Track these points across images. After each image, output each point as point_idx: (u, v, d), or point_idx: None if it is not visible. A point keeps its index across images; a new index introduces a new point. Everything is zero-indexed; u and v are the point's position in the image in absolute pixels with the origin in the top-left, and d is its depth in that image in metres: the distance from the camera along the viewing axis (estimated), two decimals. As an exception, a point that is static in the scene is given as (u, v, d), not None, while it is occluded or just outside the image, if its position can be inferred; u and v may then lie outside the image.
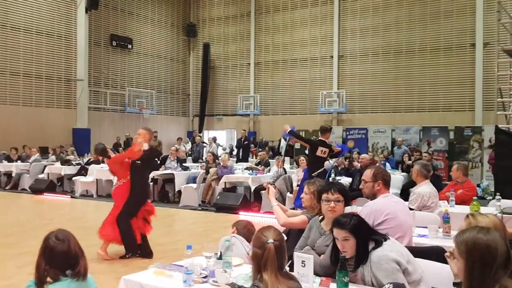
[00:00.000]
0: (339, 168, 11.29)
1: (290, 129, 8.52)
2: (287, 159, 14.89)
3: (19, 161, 15.13)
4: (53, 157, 15.75)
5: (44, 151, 16.41)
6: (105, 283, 4.82)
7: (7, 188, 14.48)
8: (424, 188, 5.75)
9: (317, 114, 21.20)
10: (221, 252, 3.16)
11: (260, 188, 10.80)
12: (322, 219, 3.65)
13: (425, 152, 12.95)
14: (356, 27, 20.67)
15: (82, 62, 19.92)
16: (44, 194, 13.24)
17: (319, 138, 8.39)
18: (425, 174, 5.84)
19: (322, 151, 8.13)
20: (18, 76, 18.09)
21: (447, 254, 2.55)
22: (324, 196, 3.54)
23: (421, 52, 19.15)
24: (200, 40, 25.10)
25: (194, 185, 11.52)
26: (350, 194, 3.95)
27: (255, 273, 2.50)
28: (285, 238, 2.98)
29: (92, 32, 20.60)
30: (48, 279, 2.56)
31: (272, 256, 2.45)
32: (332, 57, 21.17)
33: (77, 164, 14.43)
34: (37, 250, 2.64)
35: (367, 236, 2.92)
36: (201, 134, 22.71)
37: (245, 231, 4.00)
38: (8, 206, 12.06)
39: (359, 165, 11.20)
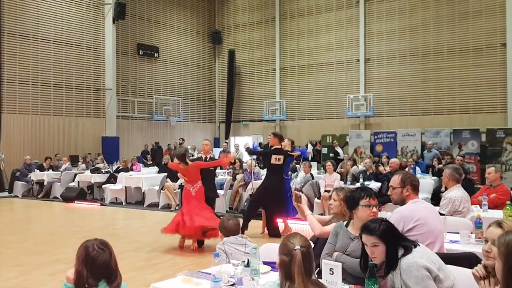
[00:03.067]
0: (367, 173, 11.14)
1: (251, 148, 9.00)
2: (314, 164, 14.77)
3: (50, 170, 15.44)
4: (83, 166, 16.01)
5: (74, 160, 16.70)
6: None
7: (39, 196, 14.78)
8: (456, 193, 5.59)
9: (344, 118, 21.02)
10: (248, 260, 3.15)
11: (288, 194, 10.73)
12: (347, 224, 3.62)
13: (458, 156, 12.63)
14: (383, 30, 20.44)
15: (110, 72, 20.26)
16: (75, 202, 13.43)
17: (274, 147, 8.48)
18: (457, 178, 5.68)
19: (276, 158, 8.28)
20: (49, 87, 18.52)
21: (473, 271, 2.48)
22: (364, 201, 3.50)
23: (449, 53, 18.79)
24: (225, 47, 25.24)
25: (221, 192, 11.53)
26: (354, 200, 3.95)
27: (282, 281, 2.48)
28: (312, 245, 2.96)
29: (119, 42, 20.95)
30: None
31: (299, 263, 2.43)
32: (358, 60, 20.98)
33: (107, 172, 14.62)
34: (69, 257, 2.70)
35: (396, 242, 2.85)
36: (227, 141, 22.78)
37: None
38: (40, 214, 12.31)
39: (387, 169, 11.01)
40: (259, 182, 11.36)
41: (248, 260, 3.16)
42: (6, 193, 15.43)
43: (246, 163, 12.44)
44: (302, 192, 10.29)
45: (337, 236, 3.62)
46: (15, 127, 17.13)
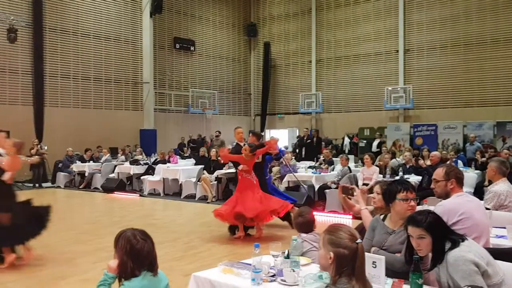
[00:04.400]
0: (407, 166, 10.90)
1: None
2: (352, 157, 14.59)
3: (91, 162, 15.82)
4: (122, 157, 16.31)
5: (114, 152, 17.05)
6: (172, 280, 4.89)
7: (80, 187, 15.17)
8: (501, 186, 5.39)
9: (382, 111, 20.65)
10: (288, 251, 3.13)
11: (325, 187, 10.66)
12: (384, 218, 3.55)
13: (504, 149, 12.18)
14: (423, 20, 19.92)
15: (148, 65, 20.55)
16: (115, 192, 13.71)
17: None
18: (503, 172, 5.47)
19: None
20: (89, 81, 18.94)
21: None
22: (401, 195, 3.43)
23: (493, 43, 18.15)
24: (260, 39, 25.18)
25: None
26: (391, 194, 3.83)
27: (335, 275, 2.36)
28: None
29: (156, 35, 21.18)
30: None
31: (361, 256, 2.36)
32: (397, 51, 20.54)
33: (145, 163, 14.86)
34: (111, 246, 2.75)
35: (443, 235, 2.78)
36: (262, 134, 22.76)
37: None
38: (82, 205, 12.62)
39: (427, 163, 10.75)
40: (295, 174, 11.35)
41: (288, 251, 3.14)
42: (49, 184, 15.91)
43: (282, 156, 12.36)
44: (338, 185, 10.21)
45: (374, 231, 3.56)
46: (58, 120, 17.60)
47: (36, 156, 12.62)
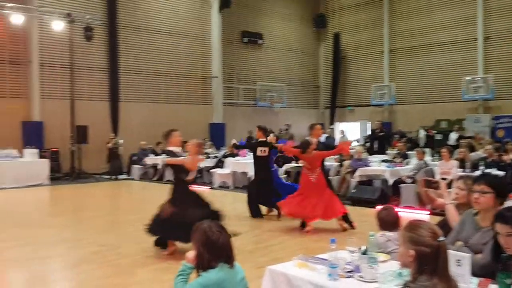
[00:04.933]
0: (489, 160, 10.19)
1: (237, 143, 9.40)
2: (428, 150, 13.91)
3: (163, 155, 16.14)
4: (193, 151, 16.53)
5: (184, 146, 17.32)
6: (250, 270, 4.83)
7: (153, 179, 15.60)
8: None
9: (460, 102, 19.57)
10: (366, 247, 3.05)
11: (399, 181, 10.21)
12: (476, 214, 3.30)
13: None
14: (504, 5, 18.64)
15: (216, 60, 20.76)
16: (186, 185, 13.90)
17: (259, 139, 8.91)
18: None
19: (261, 150, 8.74)
20: (160, 76, 19.42)
21: None
22: (474, 187, 3.26)
23: None
24: (329, 31, 24.70)
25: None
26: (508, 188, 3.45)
27: (415, 273, 2.25)
28: None
29: (224, 30, 21.33)
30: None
31: (444, 255, 2.23)
32: (476, 39, 19.37)
33: (215, 157, 15.00)
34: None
35: None
36: (332, 127, 22.35)
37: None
38: (155, 196, 12.86)
39: (511, 157, 9.98)
40: (368, 168, 10.98)
41: (365, 247, 3.05)
42: (125, 176, 16.50)
43: (354, 149, 12.00)
44: (414, 179, 9.72)
45: (464, 224, 3.34)
46: (132, 115, 18.19)
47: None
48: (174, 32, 19.75)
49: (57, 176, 15.42)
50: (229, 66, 21.75)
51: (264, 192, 8.70)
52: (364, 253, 2.97)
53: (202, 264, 2.72)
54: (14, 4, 15.17)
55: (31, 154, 14.10)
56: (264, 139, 8.82)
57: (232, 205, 11.30)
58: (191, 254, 2.80)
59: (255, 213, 8.83)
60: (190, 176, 6.22)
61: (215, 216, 6.15)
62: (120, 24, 18.04)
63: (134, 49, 18.59)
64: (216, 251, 2.70)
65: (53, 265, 6.01)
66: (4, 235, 7.60)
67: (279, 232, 7.45)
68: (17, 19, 15.06)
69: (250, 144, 9.29)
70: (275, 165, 9.97)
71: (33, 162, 14.28)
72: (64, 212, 10.12)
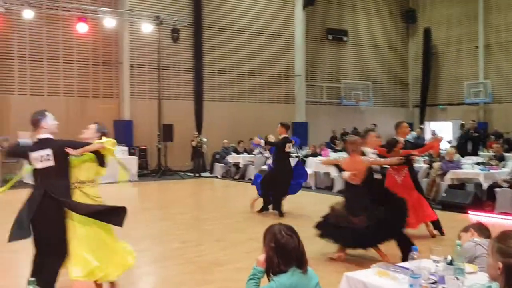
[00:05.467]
0: None
1: (261, 140, 9.42)
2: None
3: (245, 153, 16.30)
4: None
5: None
6: (324, 276, 4.64)
7: (235, 177, 15.73)
8: None
9: None
10: (451, 257, 2.89)
11: (494, 185, 9.40)
12: None
13: None
14: None
15: (300, 58, 20.56)
16: (267, 184, 13.85)
17: (283, 136, 9.21)
18: None
19: (289, 146, 9.17)
20: (244, 75, 19.57)
21: None
22: None
23: None
24: (420, 26, 23.55)
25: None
26: None
27: (504, 287, 2.13)
28: None
29: (308, 28, 21.06)
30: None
31: None
32: None
33: (296, 156, 14.77)
34: (262, 237, 2.79)
35: None
36: (422, 126, 21.28)
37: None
38: (237, 194, 13.10)
39: None
40: (460, 171, 10.22)
41: (451, 257, 2.89)
42: (208, 174, 16.81)
43: (444, 150, 11.25)
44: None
45: None
46: (215, 113, 18.50)
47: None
48: (257, 31, 19.81)
49: (145, 172, 16.04)
50: (312, 64, 21.44)
51: (285, 185, 9.11)
52: (450, 263, 2.83)
53: (272, 268, 2.66)
54: (107, 9, 16.00)
55: (121, 151, 14.75)
56: (287, 135, 9.22)
57: (314, 207, 11.05)
58: (261, 257, 2.75)
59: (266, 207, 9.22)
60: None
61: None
62: (205, 25, 18.40)
63: (218, 49, 18.88)
64: (286, 255, 2.63)
65: (138, 260, 6.16)
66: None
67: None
68: (109, 22, 15.85)
69: (279, 142, 9.32)
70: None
71: (123, 159, 14.87)
72: (150, 208, 10.45)
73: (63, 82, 16.08)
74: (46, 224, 4.00)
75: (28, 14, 14.56)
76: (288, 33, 20.58)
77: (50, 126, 4.28)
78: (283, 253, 2.63)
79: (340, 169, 6.01)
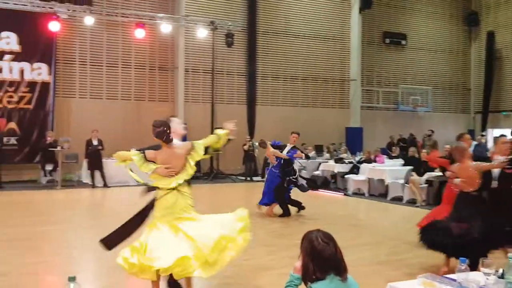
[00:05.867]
0: None
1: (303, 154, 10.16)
2: None
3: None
4: (327, 155, 16.25)
5: (319, 149, 17.10)
6: (372, 284, 4.58)
7: (287, 182, 15.54)
8: None
9: None
10: (503, 270, 2.80)
11: None
12: None
13: None
14: None
15: (355, 62, 20.18)
16: (319, 190, 13.65)
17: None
18: None
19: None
20: (297, 80, 19.42)
21: None
22: None
23: None
24: (483, 29, 22.54)
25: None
26: None
27: None
28: None
29: (365, 31, 20.65)
30: None
31: None
32: None
33: (350, 162, 14.48)
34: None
35: None
36: (484, 133, 20.28)
37: None
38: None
39: None
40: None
41: (503, 270, 2.79)
42: (259, 178, 16.74)
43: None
44: None
45: None
46: (267, 118, 18.44)
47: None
48: (312, 35, 19.62)
49: (197, 175, 16.18)
50: (368, 68, 20.98)
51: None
52: (501, 277, 2.74)
53: (308, 275, 2.63)
54: (164, 14, 16.36)
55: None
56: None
57: (366, 214, 10.77)
58: (298, 263, 2.74)
59: (288, 212, 9.50)
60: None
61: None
62: (259, 30, 18.42)
63: (272, 53, 18.85)
64: (321, 262, 2.58)
65: None
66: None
67: (417, 246, 6.68)
68: (166, 28, 16.20)
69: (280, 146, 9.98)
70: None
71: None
72: (201, 211, 10.39)
73: (121, 86, 16.57)
74: None
75: (89, 20, 15.14)
76: (344, 37, 20.26)
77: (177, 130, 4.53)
78: (319, 260, 2.60)
79: (443, 169, 6.02)
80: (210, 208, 10.93)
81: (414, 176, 11.42)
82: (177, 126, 4.53)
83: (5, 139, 13.97)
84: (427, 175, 11.22)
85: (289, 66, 19.20)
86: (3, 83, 14.30)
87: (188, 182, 4.53)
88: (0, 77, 14.27)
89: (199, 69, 17.55)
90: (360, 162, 14.31)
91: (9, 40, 14.36)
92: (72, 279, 2.44)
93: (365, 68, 20.80)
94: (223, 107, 17.34)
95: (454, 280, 2.86)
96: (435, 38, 22.39)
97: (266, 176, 10.68)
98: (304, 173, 15.08)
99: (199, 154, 4.48)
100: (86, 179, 14.26)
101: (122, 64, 16.56)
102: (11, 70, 14.39)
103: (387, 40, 21.30)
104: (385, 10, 21.38)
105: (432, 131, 18.79)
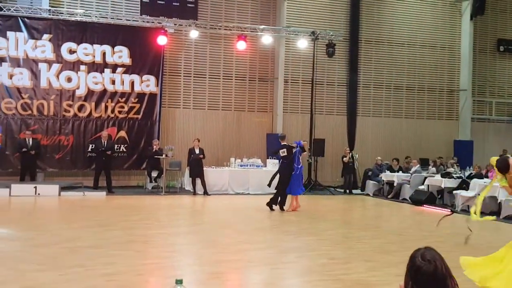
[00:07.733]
0: None
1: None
2: None
3: (400, 172, 15.36)
4: (433, 169, 15.34)
5: (424, 163, 16.20)
6: None
7: (388, 196, 14.89)
8: None
9: None
10: None
11: None
12: None
13: None
14: None
15: (466, 71, 18.95)
16: (424, 205, 12.91)
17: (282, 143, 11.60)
18: None
19: (282, 151, 11.44)
20: (401, 90, 18.62)
21: None
22: None
23: None
24: None
25: None
26: None
27: None
28: None
29: (476, 39, 19.34)
30: None
31: None
32: None
33: (458, 177, 13.49)
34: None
35: None
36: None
37: None
38: (390, 215, 12.44)
39: None
40: None
41: None
42: (359, 191, 16.22)
43: None
44: None
45: None
46: (369, 129, 17.90)
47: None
48: (418, 43, 18.74)
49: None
50: (480, 77, 19.56)
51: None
52: None
53: None
54: (265, 26, 16.53)
55: (273, 164, 14.97)
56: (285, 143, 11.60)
57: (478, 232, 9.87)
58: (403, 282, 2.55)
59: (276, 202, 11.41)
60: None
61: None
62: (362, 38, 17.98)
63: (374, 63, 18.28)
64: (419, 281, 2.42)
65: (283, 272, 6.14)
66: (247, 237, 8.19)
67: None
68: (266, 39, 16.36)
69: (278, 149, 11.78)
70: None
71: (274, 172, 15.09)
72: (299, 222, 10.30)
73: (222, 97, 16.98)
74: None
75: (194, 34, 15.74)
76: (453, 45, 19.12)
77: None
78: (416, 279, 2.45)
79: None
80: (307, 219, 10.78)
81: (535, 194, 10.30)
82: None
83: (115, 147, 14.90)
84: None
85: (393, 76, 18.49)
86: (116, 94, 15.27)
87: None
88: (113, 89, 15.25)
89: (298, 80, 17.49)
90: (470, 177, 13.29)
91: (121, 54, 15.31)
92: (179, 282, 2.58)
93: (477, 77, 19.42)
94: (322, 118, 17.12)
95: None
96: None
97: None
98: (407, 188, 14.35)
99: None
100: (188, 186, 14.74)
101: (224, 75, 16.98)
102: (122, 82, 15.33)
103: (502, 48, 19.74)
104: (500, 17, 19.86)
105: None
